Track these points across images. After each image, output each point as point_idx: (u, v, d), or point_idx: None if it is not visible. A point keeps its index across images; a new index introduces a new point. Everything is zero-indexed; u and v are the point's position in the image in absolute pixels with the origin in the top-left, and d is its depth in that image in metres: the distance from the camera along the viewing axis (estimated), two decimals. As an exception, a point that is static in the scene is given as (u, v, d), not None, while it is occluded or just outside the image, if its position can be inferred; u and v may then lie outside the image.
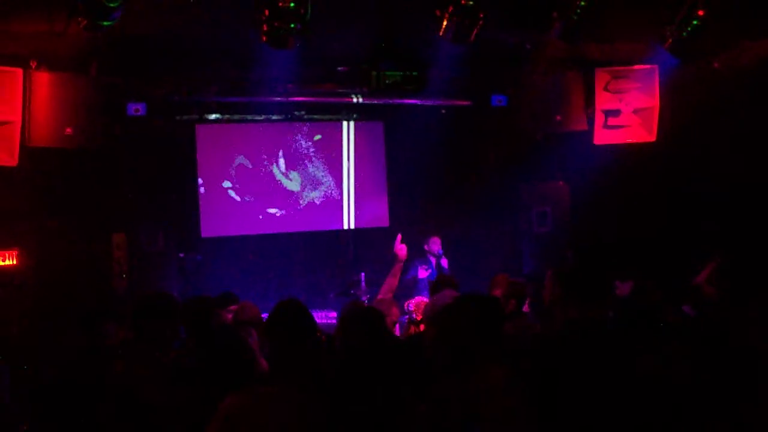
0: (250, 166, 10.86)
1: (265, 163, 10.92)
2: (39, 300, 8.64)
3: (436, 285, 6.82)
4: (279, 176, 10.96)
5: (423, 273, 9.80)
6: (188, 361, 4.61)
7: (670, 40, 8.43)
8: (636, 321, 4.89)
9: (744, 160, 9.31)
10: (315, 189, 11.11)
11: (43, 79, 8.28)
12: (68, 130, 8.44)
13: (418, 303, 6.72)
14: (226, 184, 10.77)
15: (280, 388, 3.45)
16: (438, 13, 7.51)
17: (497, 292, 6.62)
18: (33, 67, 8.21)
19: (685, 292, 6.76)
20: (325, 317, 9.24)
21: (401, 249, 7.04)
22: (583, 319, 4.31)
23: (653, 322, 5.02)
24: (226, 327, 5.28)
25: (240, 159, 10.83)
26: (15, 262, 8.75)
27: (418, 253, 9.94)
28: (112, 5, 6.53)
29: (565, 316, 4.81)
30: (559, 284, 5.25)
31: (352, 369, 4.02)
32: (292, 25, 7.03)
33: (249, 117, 10.82)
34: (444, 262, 9.83)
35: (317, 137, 11.13)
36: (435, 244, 9.91)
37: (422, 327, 6.22)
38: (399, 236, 7.03)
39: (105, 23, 6.75)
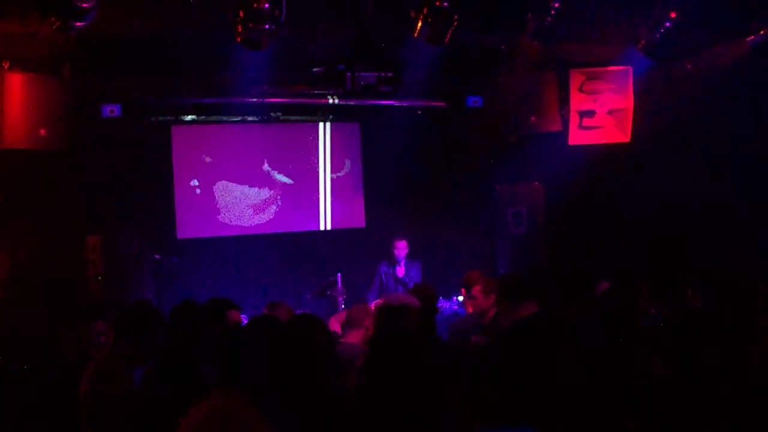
0: (226, 168, 10.83)
1: (241, 164, 10.90)
2: (13, 303, 8.57)
3: None
4: (255, 177, 10.95)
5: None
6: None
7: (644, 42, 8.51)
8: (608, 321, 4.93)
9: (717, 161, 9.42)
10: (291, 190, 11.10)
11: (15, 81, 8.21)
12: (42, 132, 8.37)
13: None
14: (202, 185, 10.74)
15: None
16: (413, 14, 7.54)
17: (477, 289, 6.66)
18: (5, 68, 8.15)
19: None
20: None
21: None
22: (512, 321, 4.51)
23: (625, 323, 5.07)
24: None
25: (216, 160, 10.80)
26: (-12, 266, 8.69)
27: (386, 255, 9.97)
28: (85, 6, 6.50)
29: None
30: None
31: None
32: (267, 27, 7.04)
33: (225, 118, 10.79)
34: (399, 272, 9.84)
35: (299, 143, 11.15)
36: (399, 250, 9.86)
37: None
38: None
39: (78, 24, 6.72)
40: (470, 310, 6.89)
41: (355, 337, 5.63)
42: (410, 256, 9.95)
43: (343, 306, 9.21)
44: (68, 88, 8.61)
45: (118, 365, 4.52)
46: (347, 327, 5.77)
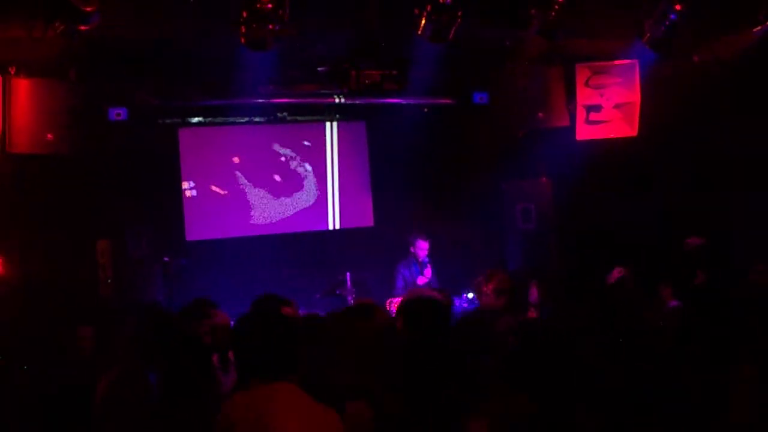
0: (234, 169, 10.84)
1: (249, 165, 10.91)
2: (24, 308, 8.59)
3: None
4: (262, 178, 10.95)
5: (422, 280, 9.82)
6: None
7: (649, 35, 8.46)
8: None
9: (725, 153, 9.37)
10: (299, 190, 11.11)
11: (22, 86, 8.23)
12: (49, 136, 8.39)
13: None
14: (210, 187, 10.75)
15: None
16: (416, 11, 7.52)
17: (489, 287, 6.64)
18: (12, 73, 8.17)
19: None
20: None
21: None
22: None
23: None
24: None
25: (223, 162, 10.82)
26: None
27: (401, 254, 9.96)
28: (88, 9, 6.51)
29: None
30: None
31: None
32: (271, 27, 7.04)
33: (231, 119, 10.79)
34: (428, 272, 9.80)
35: (306, 143, 11.15)
36: (422, 251, 9.85)
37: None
38: None
39: (82, 28, 6.72)
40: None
41: None
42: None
43: (352, 305, 9.19)
44: (75, 92, 8.61)
45: (136, 369, 4.51)
46: None
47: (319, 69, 9.63)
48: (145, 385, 4.43)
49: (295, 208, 11.09)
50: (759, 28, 8.57)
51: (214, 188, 10.77)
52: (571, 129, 9.75)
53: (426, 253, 9.88)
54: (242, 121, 10.83)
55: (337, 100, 10.07)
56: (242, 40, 7.36)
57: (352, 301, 9.30)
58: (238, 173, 10.86)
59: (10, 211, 8.72)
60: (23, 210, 8.92)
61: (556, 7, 7.66)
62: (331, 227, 11.24)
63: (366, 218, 11.35)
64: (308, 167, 11.16)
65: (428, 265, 9.87)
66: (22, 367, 7.26)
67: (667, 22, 8.13)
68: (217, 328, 5.44)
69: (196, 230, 10.68)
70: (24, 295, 8.69)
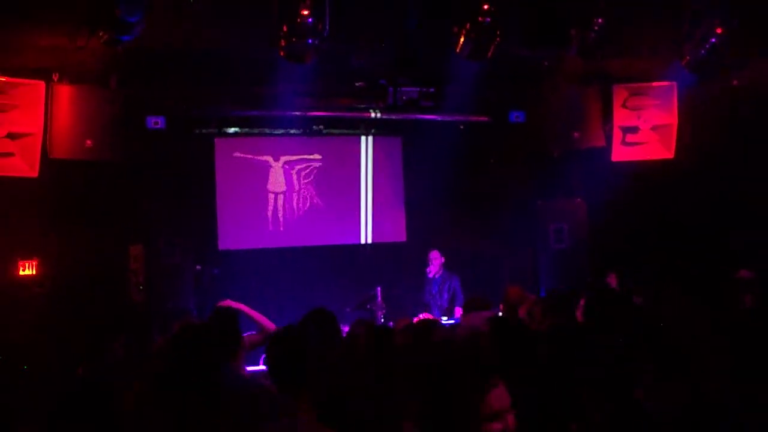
0: (269, 181, 10.90)
1: (283, 177, 10.96)
2: (56, 310, 8.67)
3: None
4: (297, 189, 11.00)
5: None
6: None
7: (689, 58, 8.39)
8: None
9: (763, 179, 9.26)
10: (333, 203, 11.14)
11: (64, 92, 8.36)
12: (88, 143, 8.53)
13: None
14: (245, 197, 10.81)
15: None
16: (455, 29, 7.52)
17: (523, 310, 6.61)
18: (55, 80, 8.29)
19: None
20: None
21: None
22: None
23: None
24: None
25: (258, 174, 10.88)
26: (34, 272, 8.81)
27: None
28: (132, 21, 6.58)
29: None
30: None
31: None
32: (310, 41, 7.08)
33: (267, 131, 10.88)
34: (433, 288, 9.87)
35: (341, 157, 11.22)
36: (432, 265, 9.99)
37: None
38: None
39: (125, 38, 6.81)
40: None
41: None
42: (449, 268, 9.95)
43: (382, 320, 9.18)
44: (114, 100, 8.75)
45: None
46: None
47: (356, 84, 9.66)
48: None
49: (328, 221, 11.11)
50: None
51: (247, 198, 10.83)
52: (607, 150, 9.70)
53: (437, 262, 9.90)
54: (278, 132, 10.89)
55: (373, 115, 10.11)
56: (281, 53, 7.40)
57: (381, 316, 9.28)
58: (272, 184, 10.91)
59: (49, 214, 8.82)
60: (61, 214, 9.01)
61: (596, 27, 7.63)
62: (363, 241, 11.25)
63: (399, 233, 11.36)
64: (342, 181, 11.19)
65: (435, 285, 9.87)
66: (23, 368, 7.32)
67: (708, 45, 8.06)
68: None
69: (229, 239, 10.74)
70: (57, 297, 8.78)
